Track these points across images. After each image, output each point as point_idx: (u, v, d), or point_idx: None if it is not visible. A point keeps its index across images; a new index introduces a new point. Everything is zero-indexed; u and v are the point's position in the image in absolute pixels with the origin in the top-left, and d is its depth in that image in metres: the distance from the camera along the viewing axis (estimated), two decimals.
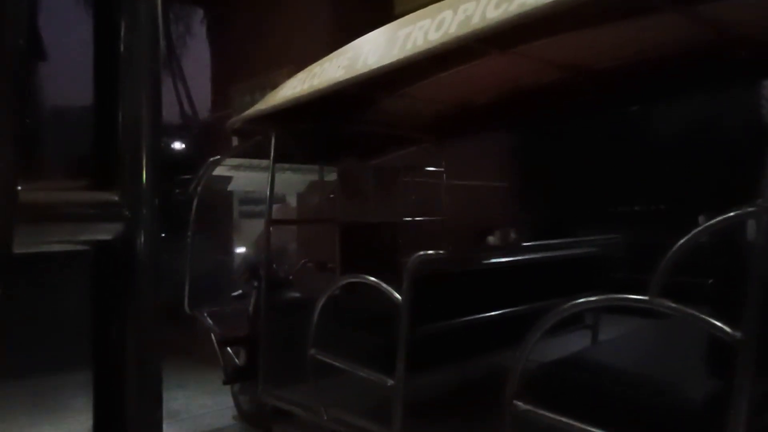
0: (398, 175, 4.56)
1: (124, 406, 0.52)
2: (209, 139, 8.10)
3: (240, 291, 4.54)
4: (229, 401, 4.85)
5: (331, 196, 4.73)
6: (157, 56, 0.52)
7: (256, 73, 6.85)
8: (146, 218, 0.52)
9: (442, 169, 4.58)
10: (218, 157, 4.24)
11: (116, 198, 0.50)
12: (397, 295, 2.39)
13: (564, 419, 1.80)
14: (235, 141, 7.82)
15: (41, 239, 0.47)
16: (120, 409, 0.52)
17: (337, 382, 2.87)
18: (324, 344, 2.78)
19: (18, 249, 0.42)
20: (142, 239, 0.51)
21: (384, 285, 2.47)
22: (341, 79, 2.73)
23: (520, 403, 1.89)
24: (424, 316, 2.39)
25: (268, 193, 3.42)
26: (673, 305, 1.60)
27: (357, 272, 2.92)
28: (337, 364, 2.74)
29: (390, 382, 2.40)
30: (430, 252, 2.35)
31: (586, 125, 5.57)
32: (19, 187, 0.41)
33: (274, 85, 7.04)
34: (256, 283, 4.45)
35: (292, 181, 5.22)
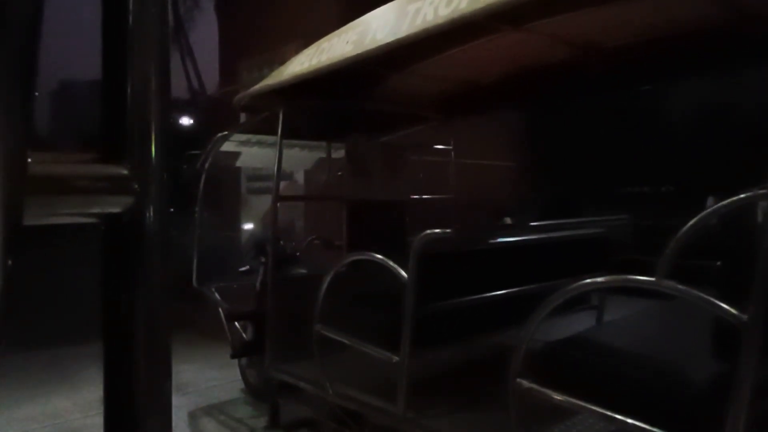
0: (406, 153, 4.53)
1: (133, 376, 0.53)
2: (217, 115, 8.07)
3: (247, 266, 4.55)
4: (236, 375, 4.91)
5: (339, 173, 4.71)
6: (165, 30, 0.52)
7: (265, 48, 6.78)
8: (155, 192, 0.52)
9: (451, 148, 4.54)
10: (226, 132, 4.22)
11: (125, 171, 0.50)
12: (404, 273, 2.39)
13: (567, 398, 1.81)
14: (243, 117, 7.80)
15: (51, 211, 0.47)
16: (130, 380, 0.53)
17: (343, 358, 2.89)
18: (330, 320, 2.79)
19: (28, 221, 0.42)
20: (151, 212, 0.52)
21: (390, 263, 2.47)
22: (349, 55, 2.70)
23: (523, 381, 1.90)
24: (430, 294, 2.39)
25: (275, 169, 3.41)
26: (680, 287, 1.59)
27: (364, 250, 2.92)
28: (342, 339, 2.76)
29: (395, 358, 2.41)
30: (437, 230, 2.35)
31: (594, 105, 5.49)
32: (30, 159, 0.41)
33: (282, 61, 6.98)
34: (263, 259, 4.46)
35: (300, 157, 5.20)
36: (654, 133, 5.93)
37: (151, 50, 0.51)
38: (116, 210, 0.50)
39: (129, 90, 0.50)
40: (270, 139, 4.41)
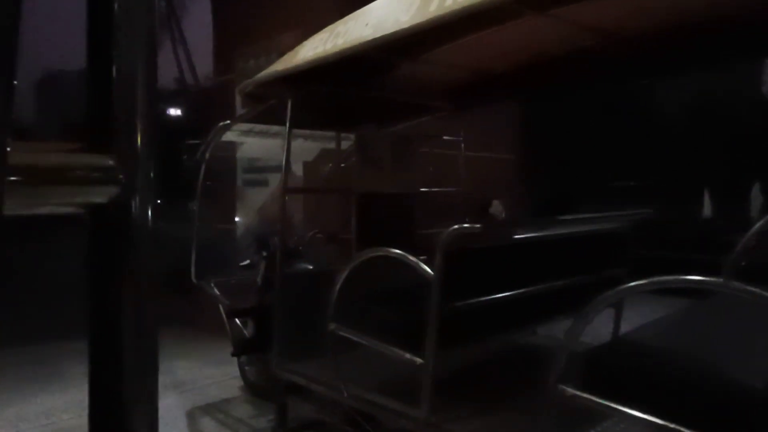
0: (416, 144, 4.37)
1: (119, 369, 0.52)
2: (211, 104, 7.86)
3: (247, 261, 4.39)
4: (234, 371, 4.84)
5: (342, 165, 4.55)
6: (152, 17, 0.52)
7: (262, 36, 6.58)
8: (141, 182, 0.51)
9: (461, 139, 4.38)
10: (227, 122, 4.05)
11: (111, 161, 0.49)
12: (429, 270, 2.24)
13: (616, 406, 1.68)
14: (239, 106, 7.57)
15: (33, 202, 0.47)
16: (115, 373, 0.53)
17: (357, 358, 2.74)
18: (345, 319, 2.64)
19: (9, 211, 0.41)
20: (138, 203, 0.51)
21: (413, 259, 2.32)
22: (369, 38, 2.53)
23: (566, 388, 1.76)
24: (455, 292, 2.25)
25: (283, 160, 3.24)
26: (751, 289, 1.46)
27: (374, 244, 2.77)
28: (359, 340, 2.60)
29: (419, 360, 2.26)
30: (465, 225, 2.21)
31: (612, 95, 5.36)
32: (8, 149, 0.40)
33: (281, 49, 6.76)
34: (264, 253, 4.30)
35: (299, 148, 5.02)
36: (669, 125, 5.81)
37: (138, 38, 0.50)
38: (101, 200, 0.50)
39: (115, 78, 0.49)
40: (272, 129, 4.24)
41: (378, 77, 3.50)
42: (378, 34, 2.53)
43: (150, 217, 0.53)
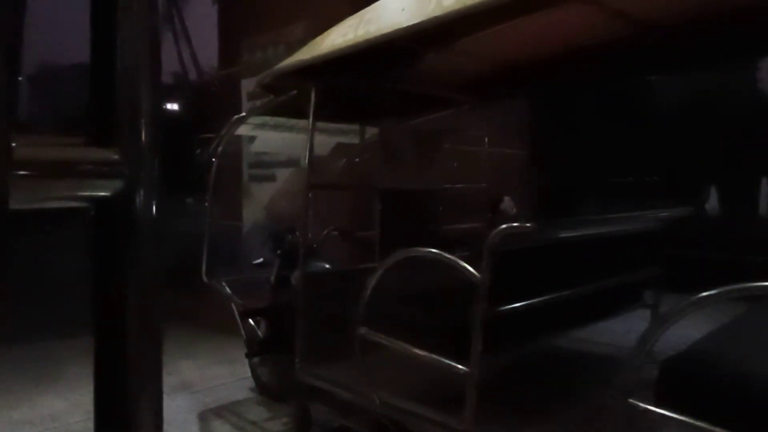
0: (441, 138, 4.21)
1: (124, 363, 0.53)
2: (215, 98, 7.68)
3: (261, 259, 4.23)
4: (243, 372, 4.76)
5: (356, 160, 4.39)
6: (155, 9, 0.52)
7: (269, 27, 6.40)
8: (146, 175, 0.52)
9: (484, 134, 4.22)
10: (243, 114, 3.88)
11: (115, 155, 0.50)
12: (474, 272, 2.08)
13: (697, 422, 1.53)
14: (245, 99, 7.37)
15: (38, 195, 0.47)
16: (120, 368, 0.53)
17: (387, 363, 2.58)
18: (377, 323, 2.48)
19: (14, 205, 0.42)
20: (142, 196, 0.52)
21: (457, 260, 2.17)
22: (406, 24, 2.36)
23: (637, 403, 1.62)
24: (500, 294, 2.09)
25: (306, 154, 3.08)
26: None
27: (398, 242, 2.62)
28: (394, 346, 2.44)
29: (463, 369, 2.11)
30: (515, 225, 2.06)
31: (644, 89, 5.20)
32: (15, 142, 0.42)
33: (288, 41, 6.54)
34: (279, 251, 4.14)
35: (305, 142, 4.81)
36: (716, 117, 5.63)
37: (141, 31, 0.51)
38: (106, 194, 0.50)
39: (118, 72, 0.50)
40: (289, 122, 4.07)
41: (400, 69, 3.33)
42: (415, 20, 2.35)
43: (154, 211, 0.53)
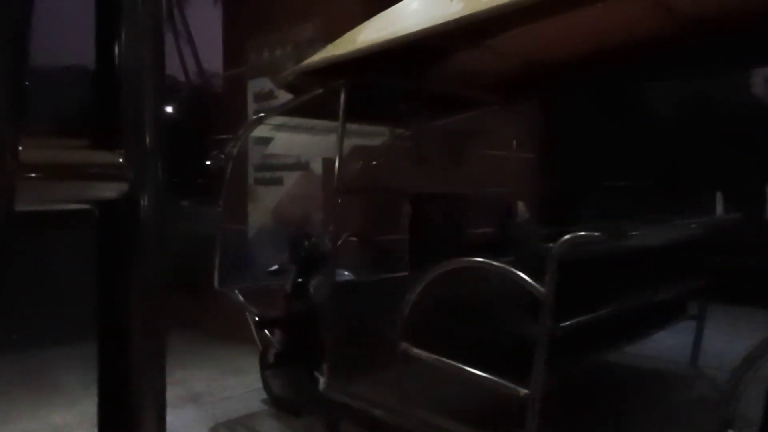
0: (470, 141, 4.03)
1: (128, 368, 0.53)
2: (219, 99, 7.49)
3: (276, 267, 4.04)
4: (254, 383, 4.59)
5: (377, 163, 4.20)
6: (160, 10, 0.52)
7: (276, 27, 6.20)
8: (151, 178, 0.52)
9: (514, 136, 4.05)
10: (262, 114, 3.69)
11: (119, 158, 0.51)
12: (535, 284, 1.90)
13: None
14: (250, 101, 7.16)
15: (43, 197, 0.48)
16: (124, 371, 0.53)
17: (424, 379, 2.39)
18: (419, 338, 2.30)
19: (20, 207, 0.43)
20: (147, 199, 0.52)
21: (517, 272, 1.99)
22: (457, 16, 2.18)
23: None
24: (565, 308, 1.92)
25: (336, 156, 2.90)
26: None
27: (429, 250, 2.44)
28: (440, 364, 2.26)
29: (523, 391, 1.92)
30: (581, 233, 1.88)
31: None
32: (22, 145, 0.43)
33: (297, 41, 6.32)
34: (295, 258, 3.95)
35: (314, 143, 4.63)
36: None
37: (145, 33, 0.51)
38: (111, 196, 0.51)
39: (122, 74, 0.50)
40: (308, 123, 3.88)
41: (430, 68, 3.16)
42: (471, 10, 2.18)
43: (159, 214, 0.53)
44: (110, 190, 0.50)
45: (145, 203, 0.51)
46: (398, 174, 3.98)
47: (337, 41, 3.22)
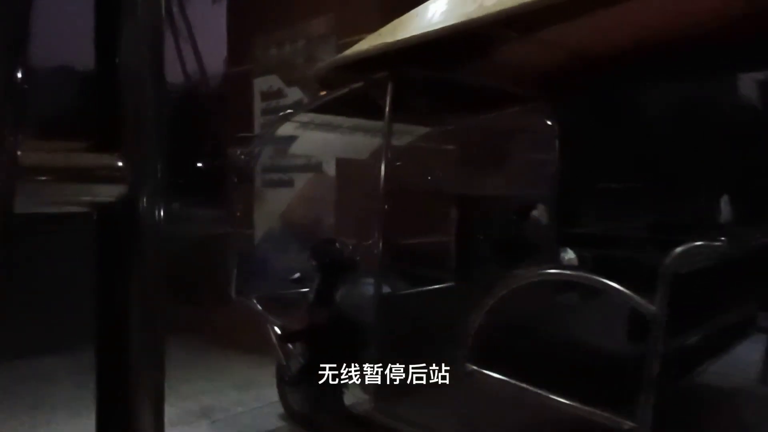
0: (521, 138, 3.78)
1: (126, 371, 0.53)
2: (223, 98, 7.21)
3: (298, 274, 3.78)
4: (268, 396, 4.32)
5: (398, 163, 3.93)
6: (159, 12, 0.52)
7: (286, 22, 5.94)
8: (150, 181, 0.53)
9: (554, 134, 3.80)
10: (289, 111, 3.41)
11: (119, 160, 0.51)
12: (642, 302, 1.66)
13: None
14: (258, 99, 6.88)
15: (43, 200, 0.48)
16: (123, 374, 0.53)
17: (493, 406, 2.13)
18: (489, 359, 2.04)
19: (19, 209, 0.43)
20: (146, 202, 0.52)
21: (619, 287, 1.74)
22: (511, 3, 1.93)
23: None
24: (675, 328, 1.67)
25: (383, 154, 2.65)
26: None
27: (479, 257, 2.19)
28: (517, 390, 1.99)
29: (628, 424, 1.67)
30: (698, 243, 1.63)
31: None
32: (21, 147, 0.43)
33: (310, 37, 6.02)
34: (319, 265, 3.69)
35: (327, 142, 4.34)
36: None
37: (145, 35, 0.51)
38: (109, 199, 0.51)
39: (122, 77, 0.51)
40: (335, 120, 3.61)
41: (481, 56, 2.92)
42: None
43: (158, 217, 0.53)
44: (109, 193, 0.50)
45: (144, 205, 0.52)
46: (441, 174, 3.72)
47: (372, 35, 3.00)
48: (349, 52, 3.06)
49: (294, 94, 6.29)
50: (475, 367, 2.17)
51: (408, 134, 3.95)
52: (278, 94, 6.35)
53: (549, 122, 3.81)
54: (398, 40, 2.61)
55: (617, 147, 5.94)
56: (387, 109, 2.82)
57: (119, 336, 0.51)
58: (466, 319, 2.15)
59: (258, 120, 6.68)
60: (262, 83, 6.50)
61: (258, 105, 6.57)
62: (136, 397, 0.52)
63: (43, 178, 0.45)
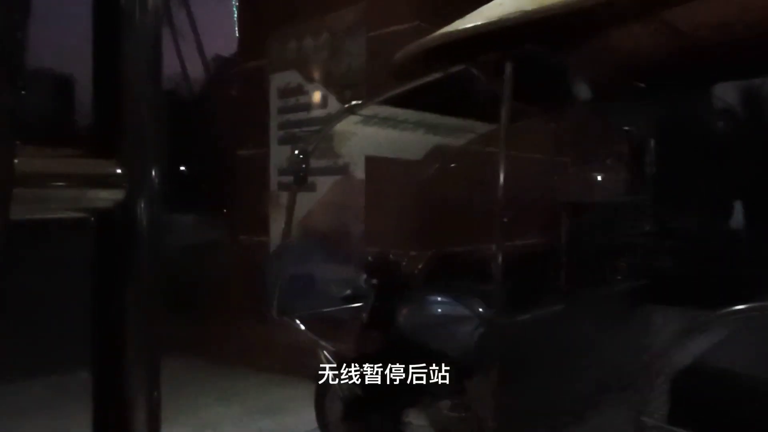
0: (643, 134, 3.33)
1: (122, 379, 0.52)
2: (232, 93, 6.76)
3: (349, 291, 3.32)
4: (294, 424, 3.87)
5: (452, 165, 3.52)
6: (159, 17, 0.51)
7: (308, 14, 5.51)
8: (148, 187, 0.52)
9: (650, 133, 3.40)
10: (355, 102, 2.93)
11: (117, 166, 0.51)
12: None
13: None
14: (274, 95, 6.41)
15: (40, 206, 0.48)
16: (119, 382, 0.52)
17: None
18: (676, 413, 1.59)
19: (16, 215, 0.43)
20: (144, 208, 0.52)
21: None
22: None
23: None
24: None
25: (500, 151, 2.20)
26: None
27: (593, 278, 1.79)
28: None
29: None
30: None
31: None
32: (18, 153, 0.44)
33: (335, 30, 5.62)
34: (375, 282, 3.24)
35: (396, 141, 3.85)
36: None
37: (144, 41, 0.51)
38: (107, 205, 0.51)
39: (121, 83, 0.51)
40: (401, 114, 3.14)
41: (582, 41, 2.52)
42: None
43: (156, 223, 0.53)
44: (107, 199, 0.50)
45: (142, 211, 0.51)
46: (545, 177, 3.27)
47: (459, 21, 2.55)
48: (450, 27, 2.61)
49: (314, 90, 5.81)
50: (652, 420, 1.72)
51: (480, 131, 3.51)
52: (298, 90, 5.86)
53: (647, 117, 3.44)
54: (518, 13, 2.18)
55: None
56: (505, 95, 2.36)
57: (116, 343, 0.50)
58: (638, 360, 1.74)
59: (274, 119, 6.20)
60: (279, 79, 6.01)
61: (275, 103, 6.07)
62: (132, 406, 0.50)
63: (41, 184, 0.45)
